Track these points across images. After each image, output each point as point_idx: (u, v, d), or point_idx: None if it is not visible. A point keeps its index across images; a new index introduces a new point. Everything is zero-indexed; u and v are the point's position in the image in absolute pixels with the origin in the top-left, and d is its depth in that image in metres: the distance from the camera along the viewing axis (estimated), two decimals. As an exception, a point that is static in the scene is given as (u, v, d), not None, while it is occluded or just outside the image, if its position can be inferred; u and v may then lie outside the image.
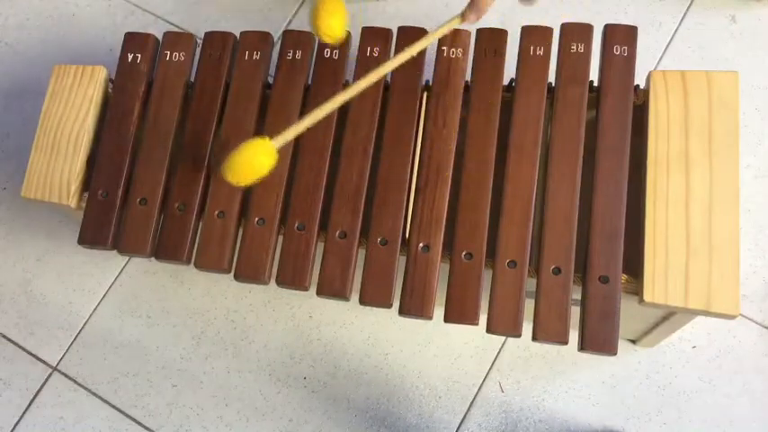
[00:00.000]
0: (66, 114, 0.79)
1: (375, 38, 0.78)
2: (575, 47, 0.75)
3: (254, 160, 0.67)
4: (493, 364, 0.91)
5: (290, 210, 0.73)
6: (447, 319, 0.68)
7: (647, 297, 0.67)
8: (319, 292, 0.71)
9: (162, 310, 0.96)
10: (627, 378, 0.89)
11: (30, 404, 0.93)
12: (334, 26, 0.70)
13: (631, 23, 0.77)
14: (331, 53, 0.78)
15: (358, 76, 0.76)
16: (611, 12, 1.04)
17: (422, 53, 0.75)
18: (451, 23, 0.73)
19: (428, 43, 0.73)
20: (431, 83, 0.76)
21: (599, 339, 0.66)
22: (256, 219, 0.73)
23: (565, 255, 0.68)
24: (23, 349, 0.95)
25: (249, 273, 0.72)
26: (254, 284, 0.86)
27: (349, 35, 0.78)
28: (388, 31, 0.78)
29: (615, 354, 0.66)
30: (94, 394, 0.93)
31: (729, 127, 0.70)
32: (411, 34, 0.77)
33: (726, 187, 0.69)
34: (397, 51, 0.76)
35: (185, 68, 0.80)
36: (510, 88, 0.75)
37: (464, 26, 0.74)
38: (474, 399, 0.90)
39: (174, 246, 0.74)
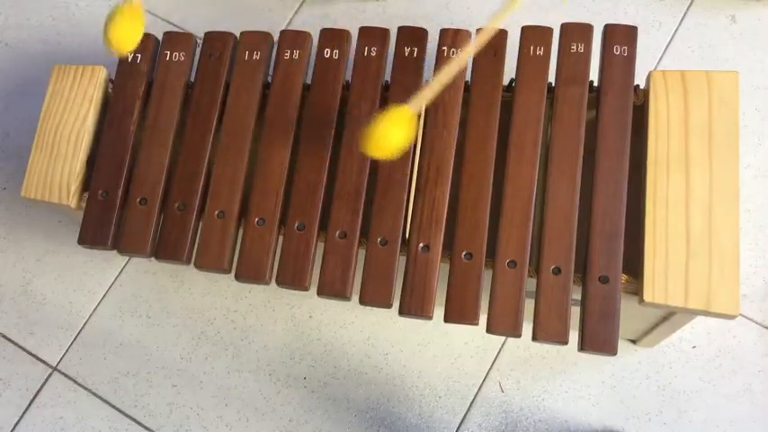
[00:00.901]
0: (66, 114, 0.79)
1: (373, 38, 0.78)
2: (575, 47, 0.75)
3: (398, 131, 0.65)
4: (493, 364, 0.91)
5: (290, 210, 0.73)
6: (447, 319, 0.68)
7: (647, 297, 0.67)
8: (320, 293, 0.71)
9: (162, 310, 0.96)
10: (627, 378, 0.89)
11: (30, 404, 0.93)
12: (124, 39, 0.68)
13: (631, 23, 0.77)
14: (331, 53, 0.78)
15: (357, 75, 0.76)
16: (611, 12, 1.04)
17: (422, 51, 0.76)
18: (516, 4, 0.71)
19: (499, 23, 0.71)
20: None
21: (599, 339, 0.66)
22: (256, 219, 0.73)
23: (565, 255, 0.68)
24: (23, 349, 0.95)
25: (249, 273, 0.72)
26: (254, 284, 0.86)
27: (348, 36, 0.78)
28: (385, 31, 0.78)
29: (615, 354, 0.66)
30: (94, 394, 0.93)
31: (729, 127, 0.70)
32: (411, 34, 0.77)
33: (726, 187, 0.69)
34: (399, 49, 0.77)
35: (185, 68, 0.80)
36: (510, 88, 0.75)
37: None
38: (474, 399, 0.90)
39: (174, 246, 0.74)
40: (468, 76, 0.75)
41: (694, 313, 0.68)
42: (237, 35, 0.81)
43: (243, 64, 0.79)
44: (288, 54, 0.78)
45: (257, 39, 0.80)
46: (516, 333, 0.67)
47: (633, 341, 0.90)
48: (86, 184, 0.78)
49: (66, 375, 0.94)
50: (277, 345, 0.93)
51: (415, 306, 0.69)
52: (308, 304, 0.95)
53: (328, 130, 0.75)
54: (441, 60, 0.76)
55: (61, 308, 0.97)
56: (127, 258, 0.98)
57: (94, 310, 0.96)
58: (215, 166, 0.75)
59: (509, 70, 0.75)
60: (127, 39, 0.69)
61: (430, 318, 0.69)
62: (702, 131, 0.71)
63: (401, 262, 0.70)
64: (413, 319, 0.69)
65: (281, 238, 0.73)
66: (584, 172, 0.71)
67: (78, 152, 0.78)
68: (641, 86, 0.75)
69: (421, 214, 0.71)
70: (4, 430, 0.92)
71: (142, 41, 0.80)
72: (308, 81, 0.78)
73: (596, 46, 0.75)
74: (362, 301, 0.70)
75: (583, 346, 0.66)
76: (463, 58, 0.69)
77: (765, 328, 0.90)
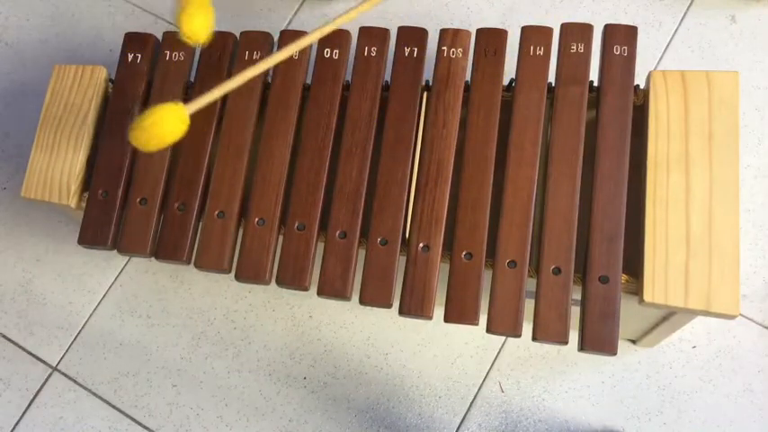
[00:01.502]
0: (66, 114, 0.79)
1: (373, 38, 0.78)
2: (575, 47, 0.75)
3: (164, 126, 0.67)
4: (493, 364, 0.91)
5: (290, 210, 0.73)
6: (447, 319, 0.68)
7: (647, 297, 0.67)
8: (320, 293, 0.71)
9: (162, 310, 0.96)
10: (627, 378, 0.89)
11: (30, 404, 0.93)
12: (197, 28, 0.70)
13: (631, 23, 0.77)
14: (331, 53, 0.78)
15: (357, 75, 0.76)
16: (611, 12, 1.04)
17: (422, 51, 0.76)
18: (369, 3, 0.73)
19: (340, 23, 0.73)
20: (431, 83, 0.76)
21: (599, 339, 0.66)
22: (256, 219, 0.73)
23: (565, 255, 0.68)
24: (23, 349, 0.95)
25: (249, 273, 0.72)
26: (254, 284, 0.86)
27: (348, 35, 0.78)
28: (385, 31, 0.78)
29: (615, 354, 0.66)
30: (94, 394, 0.93)
31: (729, 127, 0.70)
32: (411, 34, 0.77)
33: (726, 187, 0.69)
34: (399, 49, 0.77)
35: (185, 68, 0.80)
36: (510, 88, 0.75)
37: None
38: (474, 399, 0.90)
39: (174, 246, 0.74)
40: (468, 76, 0.75)
41: (694, 313, 0.68)
42: (237, 35, 0.81)
43: (243, 64, 0.79)
44: (288, 54, 0.78)
45: (257, 39, 0.80)
46: (516, 333, 0.67)
47: (633, 341, 0.90)
48: (86, 184, 0.78)
49: (66, 375, 0.94)
50: (277, 345, 0.93)
51: (415, 306, 0.69)
52: (308, 304, 0.95)
53: (328, 130, 0.75)
54: (440, 61, 0.76)
55: (61, 308, 0.97)
56: (127, 258, 0.98)
57: (94, 310, 0.96)
58: (215, 166, 0.75)
59: (509, 70, 0.75)
60: (201, 28, 0.70)
61: (430, 318, 0.69)
62: (702, 131, 0.71)
63: (401, 262, 0.70)
64: (413, 319, 0.69)
65: (281, 238, 0.73)
66: (585, 172, 0.71)
67: (78, 152, 0.78)
68: (641, 86, 0.75)
69: (421, 214, 0.71)
70: (4, 430, 0.92)
71: (142, 41, 0.81)
72: (309, 81, 0.78)
73: (596, 46, 0.75)
74: (362, 301, 0.70)
75: (583, 346, 0.66)
76: (269, 62, 0.71)
77: (765, 328, 0.90)
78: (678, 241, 0.68)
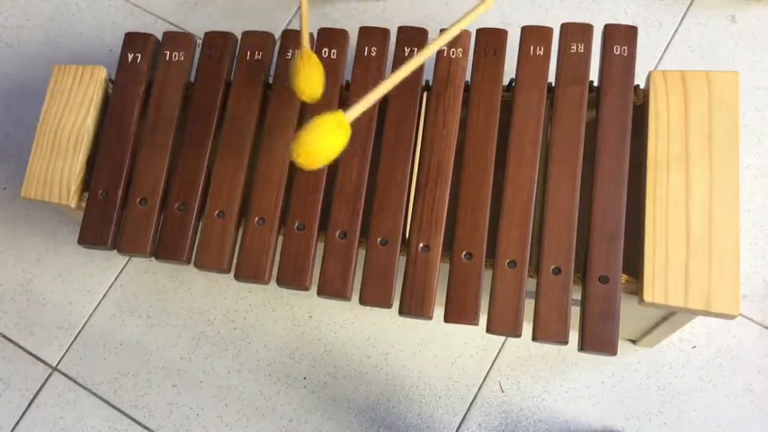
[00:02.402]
0: (67, 114, 0.79)
1: (372, 38, 0.78)
2: (575, 47, 0.75)
3: (328, 138, 0.62)
4: (493, 364, 0.91)
5: (290, 210, 0.73)
6: (447, 319, 0.68)
7: (647, 297, 0.67)
8: (320, 293, 0.71)
9: (162, 310, 0.96)
10: (627, 378, 0.89)
11: (30, 404, 0.93)
12: (315, 88, 0.71)
13: (631, 23, 0.77)
14: (329, 53, 0.78)
15: (357, 75, 0.76)
16: (611, 12, 1.04)
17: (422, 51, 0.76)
18: (485, 5, 0.73)
19: (465, 25, 0.74)
20: (431, 83, 0.76)
21: (599, 339, 0.66)
22: (256, 219, 0.73)
23: (565, 255, 0.68)
24: (23, 349, 0.95)
25: (249, 273, 0.72)
26: (254, 284, 0.86)
27: (347, 35, 0.78)
28: (385, 31, 0.78)
29: (615, 354, 0.66)
30: (94, 394, 0.93)
31: (729, 127, 0.70)
32: (411, 34, 0.77)
33: (726, 187, 0.69)
34: (399, 49, 0.77)
35: (185, 68, 0.80)
36: (510, 88, 0.75)
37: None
38: (474, 399, 0.90)
39: (174, 246, 0.74)
40: (468, 76, 0.75)
41: (694, 313, 0.68)
42: (238, 35, 0.81)
43: (244, 64, 0.79)
44: (290, 54, 0.78)
45: (258, 39, 0.80)
46: (516, 333, 0.67)
47: (633, 341, 0.90)
48: (86, 184, 0.78)
49: (66, 375, 0.94)
50: (277, 345, 0.93)
51: (415, 306, 0.69)
52: (308, 304, 0.95)
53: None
54: (440, 61, 0.76)
55: (61, 308, 0.97)
56: (127, 258, 0.98)
57: (94, 310, 0.96)
58: (215, 166, 0.75)
59: (509, 70, 0.75)
60: (316, 86, 0.72)
61: (430, 318, 0.69)
62: (702, 131, 0.71)
63: (401, 262, 0.70)
64: (413, 319, 0.69)
65: (280, 238, 0.73)
66: (585, 172, 0.71)
67: (78, 152, 0.78)
68: (641, 86, 0.75)
69: (421, 214, 0.71)
70: (4, 430, 0.92)
71: (142, 41, 0.81)
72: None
73: (596, 46, 0.75)
74: (362, 301, 0.70)
75: (583, 346, 0.66)
76: (414, 63, 0.70)
77: (765, 328, 0.90)
78: (678, 241, 0.68)
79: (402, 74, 0.70)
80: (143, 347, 0.94)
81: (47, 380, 0.93)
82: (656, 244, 0.68)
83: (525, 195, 0.70)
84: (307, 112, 0.76)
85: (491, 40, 0.76)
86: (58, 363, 0.94)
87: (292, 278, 0.71)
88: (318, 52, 0.78)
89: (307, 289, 0.71)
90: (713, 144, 0.70)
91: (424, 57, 0.71)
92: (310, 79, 0.71)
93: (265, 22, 1.08)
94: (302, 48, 0.73)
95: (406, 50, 0.77)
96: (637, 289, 0.68)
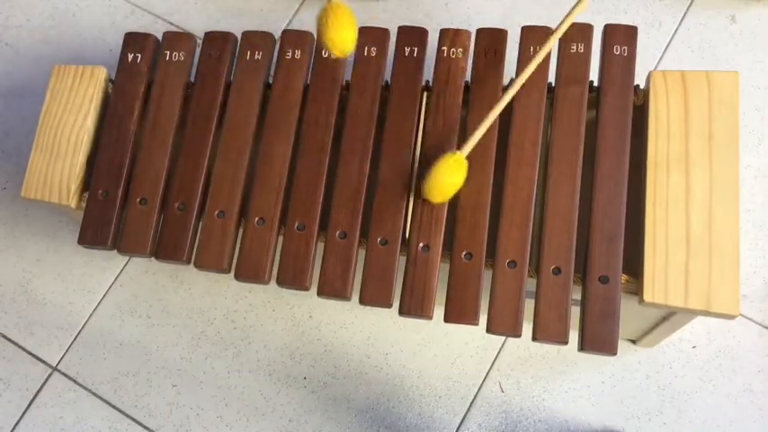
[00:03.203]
0: (67, 114, 0.79)
1: (372, 37, 0.78)
2: (575, 47, 0.75)
3: (453, 176, 0.69)
4: (493, 364, 0.91)
5: (290, 210, 0.73)
6: (447, 319, 0.68)
7: (647, 297, 0.67)
8: (320, 293, 0.71)
9: (162, 310, 0.96)
10: (627, 378, 0.89)
11: (30, 404, 0.93)
12: (347, 38, 0.68)
13: (631, 23, 0.77)
14: (329, 53, 0.78)
15: (357, 75, 0.76)
16: (611, 12, 1.04)
17: (422, 51, 0.76)
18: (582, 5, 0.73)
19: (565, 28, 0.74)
20: (431, 83, 0.76)
21: (599, 339, 0.66)
22: (256, 219, 0.73)
23: (565, 255, 0.68)
24: (23, 349, 0.95)
25: (249, 273, 0.72)
26: (254, 284, 0.86)
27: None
28: (384, 31, 0.78)
29: (615, 354, 0.66)
30: (94, 394, 0.93)
31: (729, 127, 0.70)
32: (411, 34, 0.77)
33: (726, 187, 0.69)
34: (399, 49, 0.77)
35: (185, 68, 0.80)
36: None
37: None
38: (474, 399, 0.90)
39: (174, 246, 0.74)
40: (468, 76, 0.75)
41: (694, 313, 0.68)
42: (238, 35, 0.81)
43: (244, 64, 0.79)
44: (289, 54, 0.78)
45: (259, 39, 0.80)
46: (516, 333, 0.67)
47: (633, 341, 0.90)
48: (86, 184, 0.78)
49: (66, 375, 0.94)
50: (277, 345, 0.93)
51: (415, 306, 0.69)
52: (308, 304, 0.95)
53: (328, 130, 0.75)
54: (440, 61, 0.76)
55: (61, 308, 0.97)
56: (127, 258, 0.98)
57: (94, 310, 0.96)
58: (215, 166, 0.75)
59: (509, 70, 0.75)
60: (347, 37, 0.68)
61: (430, 318, 0.69)
62: (702, 131, 0.71)
63: (401, 262, 0.70)
64: (413, 319, 0.69)
65: (280, 237, 0.73)
66: (585, 172, 0.71)
67: (78, 152, 0.78)
68: (641, 86, 0.75)
69: (421, 214, 0.71)
70: (4, 430, 0.92)
71: (142, 41, 0.81)
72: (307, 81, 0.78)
73: (596, 46, 0.75)
74: (362, 301, 0.70)
75: (583, 346, 0.66)
76: (517, 85, 0.71)
77: (765, 328, 0.90)
78: (678, 241, 0.68)
79: (508, 97, 0.71)
80: (143, 347, 0.94)
81: (47, 380, 0.93)
82: (656, 244, 0.68)
83: (525, 195, 0.70)
84: (307, 112, 0.75)
85: (491, 40, 0.76)
86: (58, 363, 0.94)
87: (292, 278, 0.71)
88: (318, 52, 0.78)
89: (307, 289, 0.71)
90: (713, 144, 0.70)
91: (528, 71, 0.72)
92: (341, 29, 0.67)
93: (265, 22, 1.08)
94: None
95: (406, 50, 0.77)
96: (637, 289, 0.68)
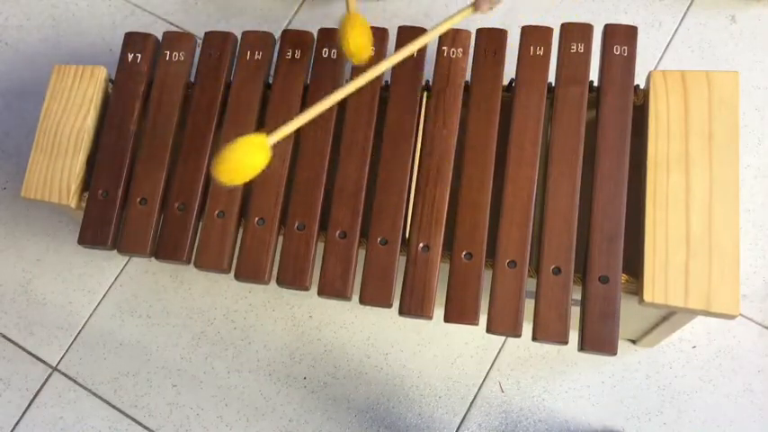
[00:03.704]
0: (66, 114, 0.79)
1: (372, 37, 0.78)
2: (575, 47, 0.75)
3: (248, 157, 0.67)
4: (493, 364, 0.91)
5: (290, 210, 0.73)
6: (447, 319, 0.68)
7: (647, 297, 0.67)
8: (320, 293, 0.71)
9: (162, 310, 0.96)
10: (627, 378, 0.89)
11: (30, 404, 0.93)
12: (363, 45, 0.73)
13: (631, 23, 0.77)
14: (329, 53, 0.78)
15: (357, 75, 0.76)
16: (611, 12, 1.04)
17: (422, 51, 0.76)
18: (462, 14, 0.73)
19: (433, 37, 0.73)
20: (431, 83, 0.76)
21: (599, 339, 0.66)
22: (256, 219, 0.73)
23: (565, 255, 0.68)
24: (23, 349, 0.95)
25: (249, 273, 0.72)
26: (254, 284, 0.86)
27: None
28: (383, 31, 0.78)
29: (615, 354, 0.66)
30: (94, 394, 0.93)
31: (729, 127, 0.70)
32: (411, 34, 0.77)
33: (726, 187, 0.69)
34: (399, 48, 0.77)
35: (185, 68, 0.80)
36: (510, 88, 0.75)
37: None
38: (474, 399, 0.90)
39: (174, 246, 0.74)
40: (468, 76, 0.75)
41: (694, 313, 0.68)
42: (238, 35, 0.81)
43: (244, 64, 0.79)
44: (289, 54, 0.78)
45: (259, 39, 0.80)
46: (516, 333, 0.67)
47: (633, 341, 0.90)
48: (86, 184, 0.78)
49: (66, 375, 0.94)
50: (277, 345, 0.93)
51: (415, 306, 0.69)
52: (308, 304, 0.95)
53: (328, 130, 0.75)
54: (440, 61, 0.76)
55: (61, 308, 0.97)
56: (127, 258, 0.98)
57: (94, 310, 0.96)
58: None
59: (509, 70, 0.75)
60: (364, 47, 0.73)
61: (430, 318, 0.69)
62: (702, 131, 0.71)
63: (401, 262, 0.70)
64: (413, 319, 0.69)
65: (280, 238, 0.73)
66: (584, 172, 0.71)
67: (78, 152, 0.78)
68: (641, 86, 0.75)
69: (421, 214, 0.71)
70: (4, 430, 0.92)
71: (142, 41, 0.81)
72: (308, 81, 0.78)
73: (596, 46, 0.75)
74: (362, 301, 0.70)
75: (583, 346, 0.66)
76: (356, 83, 0.71)
77: (765, 328, 0.90)
78: (678, 241, 0.68)
79: (339, 95, 0.70)
80: (143, 347, 0.94)
81: (47, 380, 0.93)
82: (656, 244, 0.68)
83: (525, 195, 0.70)
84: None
85: (491, 40, 0.76)
86: (58, 363, 0.94)
87: (292, 278, 0.71)
88: (318, 52, 0.78)
89: (307, 289, 0.71)
90: (713, 144, 0.70)
91: (374, 73, 0.71)
92: (358, 40, 0.72)
93: (265, 22, 1.08)
94: (349, 10, 0.74)
95: (406, 50, 0.77)
96: (637, 289, 0.68)
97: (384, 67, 0.71)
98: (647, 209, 0.69)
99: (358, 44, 0.72)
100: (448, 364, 0.91)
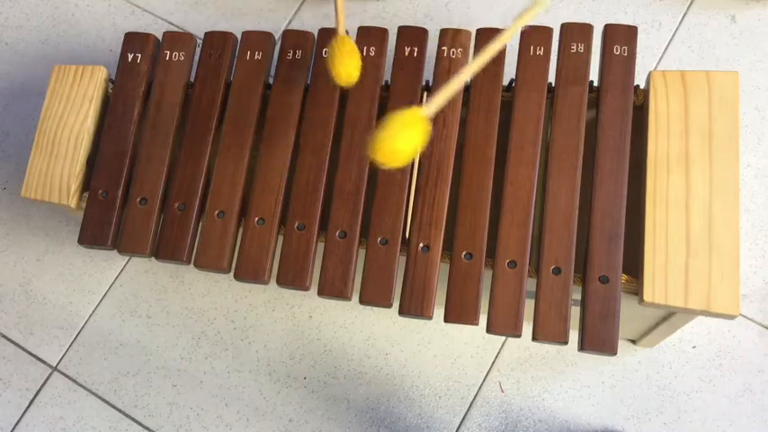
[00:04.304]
0: (67, 114, 0.79)
1: (371, 37, 0.78)
2: (575, 47, 0.75)
3: (408, 133, 0.60)
4: (493, 364, 0.91)
5: (290, 210, 0.73)
6: (447, 319, 0.68)
7: (646, 297, 0.67)
8: (320, 293, 0.71)
9: (162, 310, 0.96)
10: (627, 378, 0.89)
11: (30, 404, 0.93)
12: (352, 72, 0.71)
13: (631, 23, 0.77)
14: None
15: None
16: (611, 12, 1.04)
17: (422, 51, 0.76)
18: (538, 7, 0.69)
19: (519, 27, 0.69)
20: (431, 83, 0.76)
21: (599, 339, 0.66)
22: (256, 219, 0.73)
23: (565, 255, 0.68)
24: (23, 349, 0.95)
25: (249, 273, 0.72)
26: (254, 284, 0.86)
27: (347, 35, 0.79)
28: (384, 31, 0.78)
29: (615, 354, 0.66)
30: (94, 394, 0.93)
31: (729, 127, 0.70)
32: (411, 34, 0.77)
33: (726, 187, 0.69)
34: (399, 49, 0.77)
35: (185, 68, 0.80)
36: (510, 88, 0.75)
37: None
38: (474, 399, 0.90)
39: (174, 245, 0.74)
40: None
41: (694, 313, 0.68)
42: (238, 35, 0.81)
43: (244, 64, 0.79)
44: (289, 54, 0.78)
45: (259, 39, 0.80)
46: (516, 333, 0.67)
47: (633, 341, 0.90)
48: (86, 184, 0.78)
49: (66, 375, 0.94)
50: (277, 345, 0.93)
51: (415, 306, 0.69)
52: (308, 304, 0.95)
53: (327, 130, 0.75)
54: (440, 61, 0.76)
55: (61, 308, 0.97)
56: (127, 258, 0.98)
57: (94, 310, 0.96)
58: (215, 166, 0.75)
59: (509, 70, 0.75)
60: (352, 70, 0.72)
61: (430, 318, 0.69)
62: (702, 131, 0.71)
63: (401, 262, 0.70)
64: (413, 319, 0.69)
65: (280, 238, 0.73)
66: (584, 172, 0.71)
67: (78, 152, 0.78)
68: (641, 86, 0.75)
69: (421, 214, 0.71)
70: (4, 430, 0.92)
71: (142, 41, 0.81)
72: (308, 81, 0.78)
73: (596, 46, 0.75)
74: (362, 301, 0.70)
75: (583, 346, 0.66)
76: (482, 59, 0.66)
77: (765, 328, 0.90)
78: (678, 241, 0.68)
79: (479, 63, 0.66)
80: (143, 347, 0.94)
81: (47, 380, 0.93)
82: (656, 244, 0.68)
83: (525, 195, 0.70)
84: (307, 112, 0.76)
85: (491, 40, 0.76)
86: (58, 363, 0.94)
87: (292, 278, 0.71)
88: (318, 52, 0.78)
89: (307, 289, 0.71)
90: (713, 144, 0.70)
91: (499, 44, 0.66)
92: (346, 63, 0.71)
93: (265, 22, 1.08)
94: (338, 33, 0.73)
95: (406, 50, 0.77)
96: (637, 289, 0.68)
97: (505, 38, 0.67)
98: (647, 209, 0.69)
99: (348, 68, 0.71)
100: (448, 364, 0.91)
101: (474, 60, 0.66)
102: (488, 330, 0.68)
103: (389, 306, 0.70)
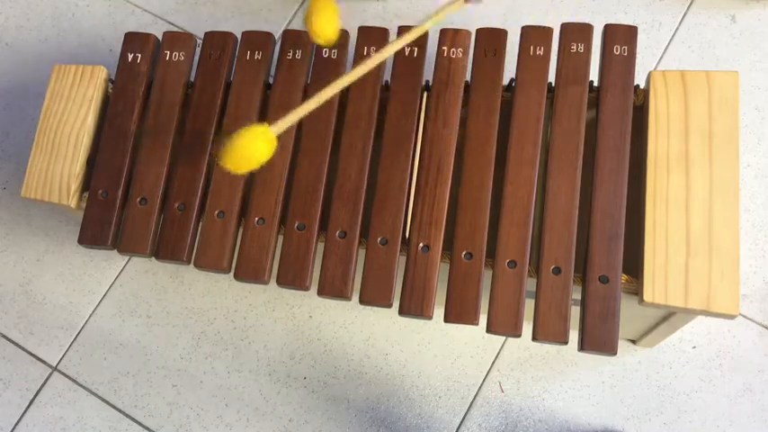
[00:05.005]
0: (66, 114, 0.79)
1: (372, 37, 0.78)
2: (575, 47, 0.75)
3: (253, 147, 0.67)
4: (493, 364, 0.91)
5: (289, 210, 0.73)
6: (447, 319, 0.68)
7: (646, 297, 0.67)
8: (320, 293, 0.71)
9: (162, 310, 0.96)
10: (627, 378, 0.89)
11: (30, 404, 0.93)
12: (327, 28, 0.71)
13: (631, 23, 0.77)
14: (329, 53, 0.78)
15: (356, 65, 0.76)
16: (611, 12, 1.04)
17: (422, 51, 0.76)
18: (454, 5, 0.72)
19: (430, 26, 0.72)
20: (431, 83, 0.76)
21: (599, 339, 0.66)
22: (256, 219, 0.73)
23: (565, 255, 0.68)
24: (23, 349, 0.95)
25: (249, 273, 0.72)
26: (254, 284, 0.86)
27: (347, 35, 0.78)
28: (384, 31, 0.78)
29: (615, 354, 0.66)
30: (94, 394, 0.93)
31: (729, 127, 0.70)
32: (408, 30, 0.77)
33: (726, 187, 0.69)
34: (398, 50, 0.77)
35: (185, 68, 0.80)
36: (510, 88, 0.75)
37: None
38: (474, 399, 0.90)
39: (174, 245, 0.74)
40: (468, 76, 0.75)
41: (694, 313, 0.68)
42: (238, 35, 0.81)
43: (244, 64, 0.79)
44: (290, 54, 0.78)
45: (259, 39, 0.80)
46: (516, 333, 0.67)
47: (633, 341, 0.90)
48: (86, 184, 0.78)
49: (66, 375, 0.94)
50: (277, 345, 0.93)
51: (415, 306, 0.69)
52: (308, 304, 0.95)
53: (328, 130, 0.75)
54: (440, 61, 0.76)
55: (61, 308, 0.97)
56: (127, 258, 0.98)
57: (94, 310, 0.96)
58: (215, 166, 0.75)
59: (509, 70, 0.75)
60: (330, 28, 0.71)
61: (430, 318, 0.69)
62: (702, 131, 0.71)
63: (401, 262, 0.70)
64: (413, 319, 0.69)
65: (280, 238, 0.73)
66: (584, 172, 0.71)
67: (78, 152, 0.78)
68: (641, 86, 0.75)
69: (421, 214, 0.71)
70: (4, 430, 0.92)
71: (142, 41, 0.81)
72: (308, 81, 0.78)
73: (596, 46, 0.75)
74: (362, 301, 0.70)
75: (583, 346, 0.66)
76: (356, 73, 0.70)
77: (765, 328, 0.90)
78: (678, 241, 0.68)
79: (341, 83, 0.69)
80: (143, 347, 0.94)
81: (47, 380, 0.93)
82: (656, 244, 0.68)
83: (525, 195, 0.70)
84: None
85: (491, 40, 0.76)
86: (58, 363, 0.94)
87: (292, 278, 0.71)
88: (318, 52, 0.78)
89: (307, 289, 0.71)
90: (713, 144, 0.70)
91: (375, 61, 0.71)
92: (324, 20, 0.71)
93: (265, 22, 1.08)
94: None
95: (406, 50, 0.77)
96: (637, 289, 0.68)
97: (382, 56, 0.70)
98: (647, 209, 0.69)
99: (322, 25, 0.70)
100: (448, 364, 0.91)
101: (351, 71, 0.70)
102: (488, 330, 0.68)
103: (389, 306, 0.70)
